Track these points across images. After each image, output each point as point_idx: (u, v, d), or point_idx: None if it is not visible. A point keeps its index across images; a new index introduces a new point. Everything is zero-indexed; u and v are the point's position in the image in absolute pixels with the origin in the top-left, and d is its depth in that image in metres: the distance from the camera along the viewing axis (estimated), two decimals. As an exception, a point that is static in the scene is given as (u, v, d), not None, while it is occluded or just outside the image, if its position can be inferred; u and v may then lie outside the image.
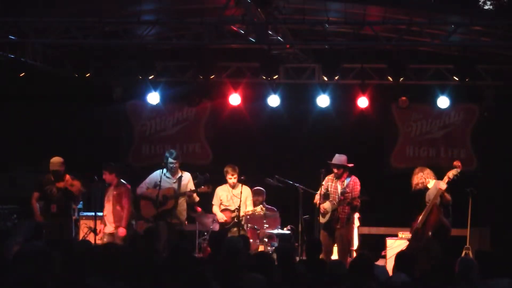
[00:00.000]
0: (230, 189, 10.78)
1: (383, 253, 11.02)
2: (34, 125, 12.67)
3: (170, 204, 10.40)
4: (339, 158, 10.28)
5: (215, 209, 10.81)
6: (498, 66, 11.85)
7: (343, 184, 10.20)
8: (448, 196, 9.80)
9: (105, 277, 5.66)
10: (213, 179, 10.88)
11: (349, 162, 10.29)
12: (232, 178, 10.71)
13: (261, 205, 10.76)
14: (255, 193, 11.12)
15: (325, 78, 10.79)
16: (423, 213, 9.83)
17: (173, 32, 10.78)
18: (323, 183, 10.30)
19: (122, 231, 10.38)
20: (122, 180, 10.63)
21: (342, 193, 10.13)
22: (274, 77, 10.67)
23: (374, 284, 5.68)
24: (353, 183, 10.21)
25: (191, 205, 10.75)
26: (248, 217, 10.85)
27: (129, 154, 13.17)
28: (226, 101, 12.43)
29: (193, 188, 10.52)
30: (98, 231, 10.47)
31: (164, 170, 10.48)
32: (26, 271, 4.63)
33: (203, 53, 10.64)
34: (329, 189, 10.26)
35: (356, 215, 10.95)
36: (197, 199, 10.65)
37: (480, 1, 17.54)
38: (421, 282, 6.26)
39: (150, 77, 11.27)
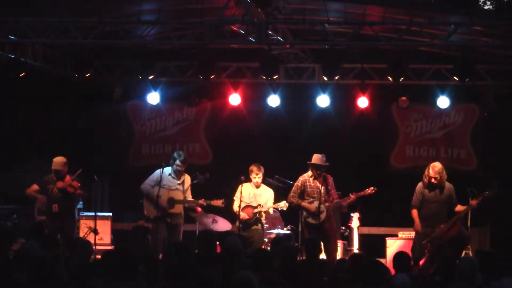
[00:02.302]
0: (254, 188, 10.68)
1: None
2: (34, 125, 12.66)
3: (177, 209, 10.42)
4: (322, 159, 10.32)
5: (236, 204, 10.57)
6: (498, 66, 11.84)
7: (325, 184, 10.29)
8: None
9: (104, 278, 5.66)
10: (213, 179, 10.87)
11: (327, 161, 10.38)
12: (256, 177, 10.59)
13: (284, 202, 10.63)
14: None
15: (325, 78, 10.78)
16: (446, 224, 9.98)
17: (173, 32, 10.77)
18: (298, 183, 10.38)
19: None
20: None
21: (327, 192, 10.23)
22: (274, 77, 10.66)
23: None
24: (331, 181, 10.41)
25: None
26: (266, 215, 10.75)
27: (129, 154, 13.15)
28: (226, 101, 12.42)
29: (190, 197, 10.50)
30: None
31: (169, 169, 10.47)
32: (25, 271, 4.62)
33: (203, 53, 10.64)
34: (307, 189, 10.33)
35: (356, 215, 10.97)
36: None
37: (480, 1, 17.55)
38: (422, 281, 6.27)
39: (150, 77, 11.26)
